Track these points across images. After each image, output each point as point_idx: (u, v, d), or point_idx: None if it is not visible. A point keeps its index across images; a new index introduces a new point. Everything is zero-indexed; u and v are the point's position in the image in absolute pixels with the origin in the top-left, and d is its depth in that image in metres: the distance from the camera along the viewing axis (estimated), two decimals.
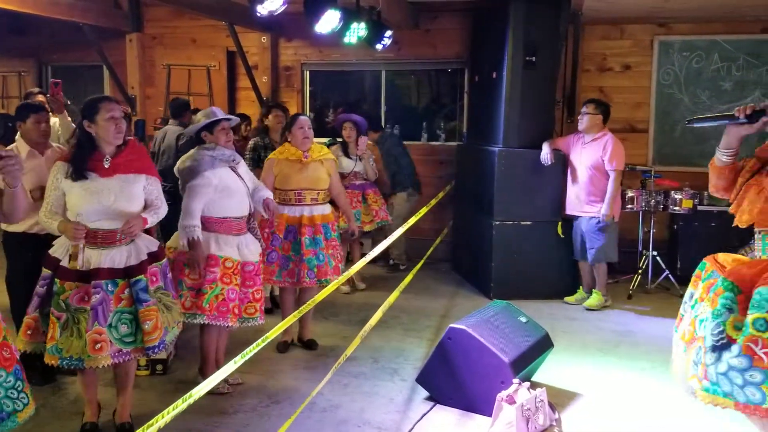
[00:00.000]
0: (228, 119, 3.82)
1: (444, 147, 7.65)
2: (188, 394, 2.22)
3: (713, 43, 6.69)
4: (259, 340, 2.62)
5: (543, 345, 4.10)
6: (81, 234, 3.03)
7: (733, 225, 2.53)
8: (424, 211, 5.70)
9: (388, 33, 6.13)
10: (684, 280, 6.21)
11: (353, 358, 4.37)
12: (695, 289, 2.55)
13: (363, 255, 5.17)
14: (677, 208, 5.99)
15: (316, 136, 7.56)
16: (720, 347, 2.23)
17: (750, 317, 2.20)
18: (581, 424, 3.59)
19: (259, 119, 6.49)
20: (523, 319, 4.15)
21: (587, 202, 5.57)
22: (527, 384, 3.53)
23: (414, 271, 5.69)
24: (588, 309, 5.66)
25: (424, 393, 3.87)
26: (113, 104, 3.16)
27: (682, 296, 6.07)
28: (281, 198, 4.43)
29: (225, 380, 3.87)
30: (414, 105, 8.27)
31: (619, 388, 4.05)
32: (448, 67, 7.77)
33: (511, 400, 3.39)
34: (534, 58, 5.90)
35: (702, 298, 2.43)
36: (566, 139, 5.85)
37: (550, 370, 4.23)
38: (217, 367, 3.86)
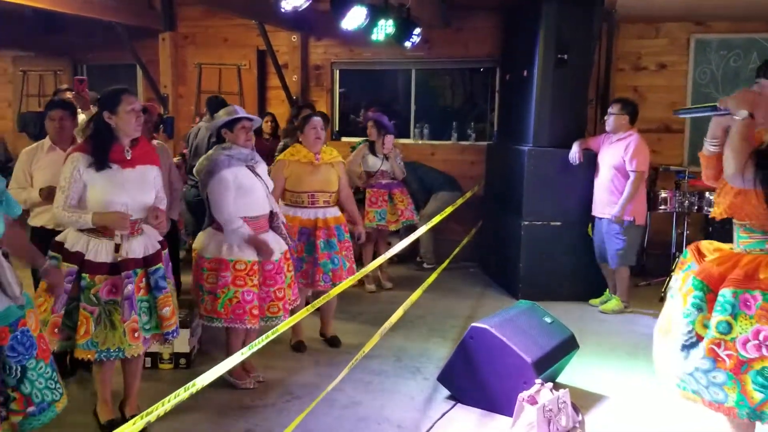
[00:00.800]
0: (250, 119, 3.82)
1: (474, 147, 7.59)
2: (191, 383, 2.22)
3: (751, 42, 6.51)
4: (269, 333, 2.61)
5: (568, 346, 4.02)
6: (128, 222, 3.09)
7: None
8: (449, 210, 5.65)
9: (417, 31, 6.10)
10: None
11: (377, 356, 4.35)
12: (678, 276, 2.57)
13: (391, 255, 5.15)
14: (711, 210, 5.81)
15: (346, 135, 7.67)
16: (689, 346, 2.31)
17: (714, 320, 2.25)
18: (604, 427, 3.51)
19: (290, 119, 6.53)
20: (548, 320, 4.08)
21: (608, 203, 5.44)
22: (550, 385, 3.47)
23: (439, 270, 5.65)
24: (603, 312, 5.54)
25: (446, 392, 3.83)
26: (133, 96, 3.19)
27: None
28: (293, 200, 4.42)
29: (248, 375, 3.91)
30: (444, 104, 8.24)
31: (644, 393, 3.95)
32: (480, 66, 7.71)
33: (532, 401, 3.33)
34: (566, 57, 5.80)
35: (680, 289, 2.47)
36: (597, 139, 5.74)
37: (575, 372, 4.15)
38: (244, 367, 3.89)
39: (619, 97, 5.74)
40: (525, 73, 6.09)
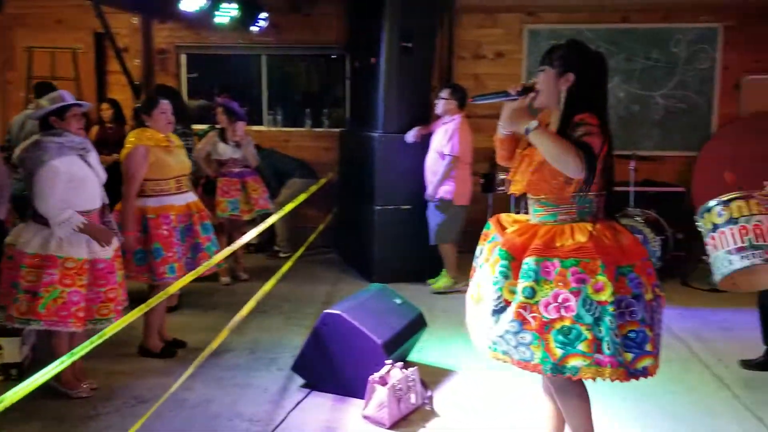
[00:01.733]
0: (80, 105, 3.59)
1: (328, 133, 7.63)
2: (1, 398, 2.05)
3: (578, 32, 7.03)
4: (95, 337, 2.47)
5: (417, 325, 4.19)
6: None
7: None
8: (303, 197, 5.65)
9: (264, 15, 6.01)
10: None
11: (230, 350, 4.29)
12: (483, 246, 2.75)
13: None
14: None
15: (196, 122, 7.40)
16: (498, 310, 2.51)
17: (520, 285, 2.46)
18: (453, 400, 3.70)
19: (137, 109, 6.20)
20: (398, 301, 4.22)
21: (431, 184, 5.67)
22: (400, 364, 3.60)
23: (294, 258, 5.65)
24: (435, 293, 5.73)
25: (301, 381, 3.85)
26: None
27: None
28: (158, 189, 4.16)
29: (80, 383, 3.68)
30: (297, 91, 8.19)
31: (491, 364, 4.17)
32: (330, 53, 7.74)
33: (383, 381, 3.45)
34: (410, 45, 5.96)
35: (487, 260, 2.65)
36: (436, 123, 5.96)
37: (424, 350, 4.33)
38: (73, 373, 3.66)
39: (449, 83, 5.95)
40: (372, 60, 6.20)
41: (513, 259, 2.52)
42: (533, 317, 2.42)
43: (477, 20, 7.14)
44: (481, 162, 7.08)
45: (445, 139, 5.56)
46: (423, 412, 3.54)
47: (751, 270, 3.59)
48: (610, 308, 2.37)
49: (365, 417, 3.42)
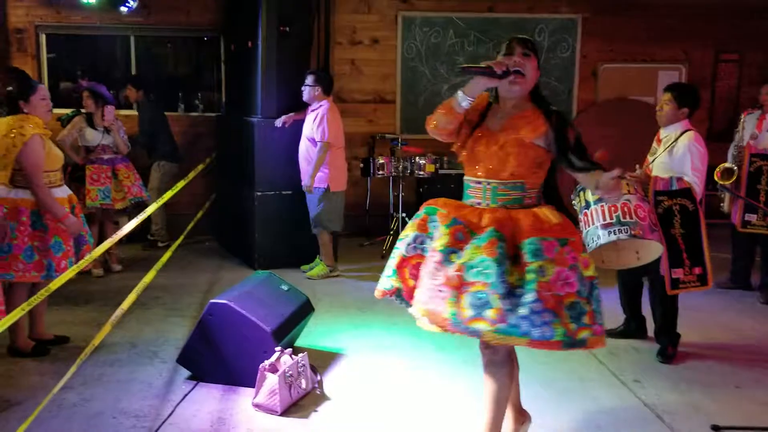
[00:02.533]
0: None
1: (203, 118, 7.44)
2: None
3: (449, 20, 7.30)
4: None
5: (304, 310, 4.23)
6: None
7: (475, 176, 2.76)
8: (181, 184, 5.50)
9: None
10: None
11: (109, 345, 4.13)
12: (424, 232, 2.71)
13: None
14: (422, 173, 6.52)
15: (57, 107, 6.95)
16: (509, 294, 2.48)
17: (533, 265, 2.50)
18: (342, 382, 3.79)
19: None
20: (285, 288, 4.24)
21: (306, 173, 5.67)
22: (290, 350, 3.64)
23: (173, 247, 5.50)
24: (309, 278, 5.75)
25: (187, 373, 3.79)
26: None
27: None
28: (48, 180, 3.90)
29: None
30: (169, 75, 7.88)
31: (375, 344, 4.35)
32: (203, 35, 7.52)
33: (273, 369, 3.47)
34: (288, 29, 5.93)
35: (453, 245, 2.60)
36: (307, 110, 5.94)
37: (312, 334, 4.39)
38: None
39: (313, 69, 5.93)
40: (250, 44, 6.10)
41: (506, 240, 2.56)
42: (550, 295, 2.48)
43: (352, 5, 7.21)
44: (359, 147, 7.22)
45: (315, 125, 5.59)
46: (314, 396, 3.60)
47: (619, 247, 3.89)
48: (596, 282, 2.58)
49: (256, 405, 3.43)
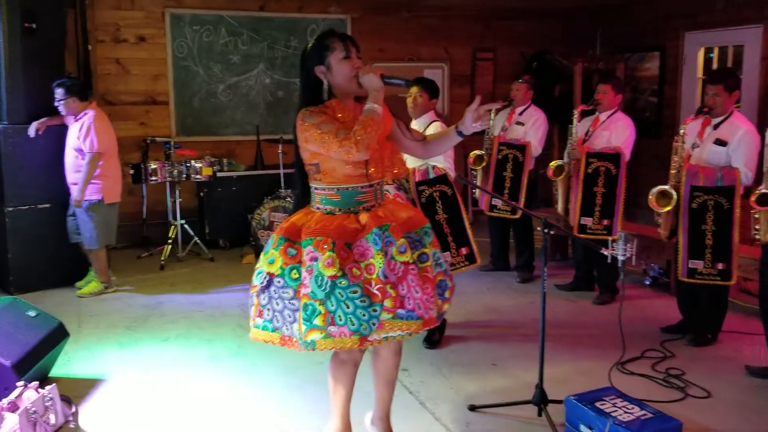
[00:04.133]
0: None
1: None
2: None
3: (220, 19, 7.12)
4: None
5: (56, 336, 3.86)
6: None
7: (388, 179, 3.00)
8: None
9: None
10: (212, 244, 6.65)
11: None
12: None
13: None
14: (199, 177, 6.29)
15: None
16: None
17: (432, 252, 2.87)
18: (101, 411, 3.50)
19: None
20: (32, 313, 3.85)
21: (73, 184, 5.26)
22: (36, 384, 3.29)
23: None
24: (80, 297, 5.31)
25: None
26: None
27: (212, 259, 6.43)
28: None
29: None
30: None
31: (144, 364, 4.08)
32: None
33: (13, 407, 3.11)
34: (34, 26, 5.39)
35: (380, 253, 2.62)
36: (66, 117, 5.42)
37: (70, 362, 4.03)
38: None
39: (59, 80, 5.28)
40: None
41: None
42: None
43: (113, 1, 6.73)
44: (132, 152, 6.79)
45: (81, 135, 5.14)
46: (67, 430, 3.30)
47: None
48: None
49: None
